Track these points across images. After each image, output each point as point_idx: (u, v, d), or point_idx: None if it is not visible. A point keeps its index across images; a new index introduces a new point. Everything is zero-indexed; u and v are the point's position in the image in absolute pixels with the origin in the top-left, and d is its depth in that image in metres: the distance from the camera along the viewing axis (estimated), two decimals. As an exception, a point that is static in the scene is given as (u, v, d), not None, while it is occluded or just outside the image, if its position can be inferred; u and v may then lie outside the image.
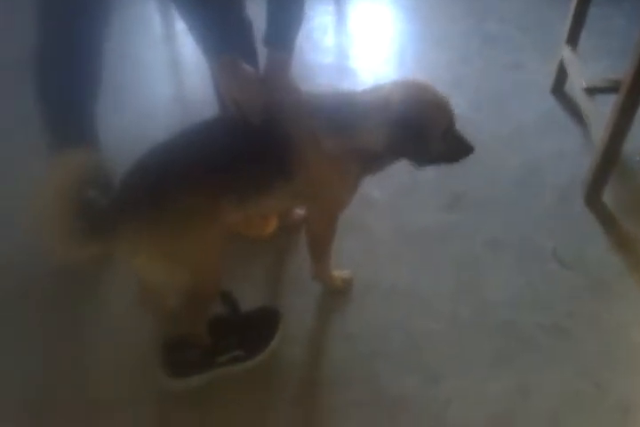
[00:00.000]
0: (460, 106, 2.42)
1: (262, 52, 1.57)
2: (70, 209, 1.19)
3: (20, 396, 1.55)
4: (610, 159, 1.90)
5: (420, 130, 1.37)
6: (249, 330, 1.59)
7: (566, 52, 2.35)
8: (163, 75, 2.84)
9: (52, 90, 1.79)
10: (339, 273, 1.76)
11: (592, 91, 2.15)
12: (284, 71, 1.54)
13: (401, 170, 2.10)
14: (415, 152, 1.43)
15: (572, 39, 2.36)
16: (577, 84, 2.22)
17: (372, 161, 1.49)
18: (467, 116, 2.38)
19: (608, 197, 2.01)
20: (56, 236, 1.20)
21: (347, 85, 2.64)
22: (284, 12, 1.51)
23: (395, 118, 1.37)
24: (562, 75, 2.44)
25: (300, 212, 1.93)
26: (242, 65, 1.49)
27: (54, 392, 1.56)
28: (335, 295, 1.76)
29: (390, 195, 2.07)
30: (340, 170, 1.47)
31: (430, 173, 2.12)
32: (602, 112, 1.96)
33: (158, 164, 1.38)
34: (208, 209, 1.37)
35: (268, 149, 1.46)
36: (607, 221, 1.95)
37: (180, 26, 3.08)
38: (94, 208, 1.35)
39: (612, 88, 2.01)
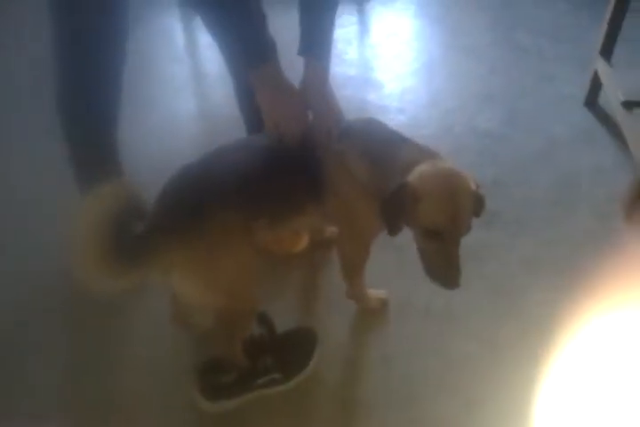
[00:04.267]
0: (491, 120, 2.44)
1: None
2: (106, 240, 1.17)
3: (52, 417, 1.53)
4: (651, 175, 1.87)
5: (409, 217, 1.29)
6: (286, 352, 1.56)
7: (600, 64, 2.31)
8: (186, 89, 2.83)
9: (73, 119, 1.77)
10: (374, 292, 1.73)
11: (630, 104, 2.11)
12: (322, 81, 1.52)
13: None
14: (388, 223, 1.33)
15: (606, 50, 2.32)
16: (613, 97, 2.19)
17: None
18: (498, 131, 2.38)
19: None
20: (93, 267, 1.18)
21: (372, 98, 2.63)
22: (318, 21, 1.50)
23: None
24: (595, 87, 2.41)
25: (332, 228, 1.90)
26: (284, 76, 1.47)
27: (87, 412, 1.54)
28: (371, 315, 1.73)
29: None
30: (366, 199, 1.42)
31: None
32: (640, 127, 1.93)
33: (191, 184, 1.37)
34: (240, 229, 1.35)
35: (300, 170, 1.45)
36: (648, 238, 1.90)
37: (204, 39, 3.09)
38: (129, 233, 1.32)
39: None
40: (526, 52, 2.82)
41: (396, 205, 1.29)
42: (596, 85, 2.40)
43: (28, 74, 2.70)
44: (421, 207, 1.26)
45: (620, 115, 2.13)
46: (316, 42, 1.51)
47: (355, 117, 1.54)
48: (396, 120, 2.45)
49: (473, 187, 1.29)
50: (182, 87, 2.81)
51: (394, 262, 1.85)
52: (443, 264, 1.31)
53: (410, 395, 1.54)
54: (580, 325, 1.67)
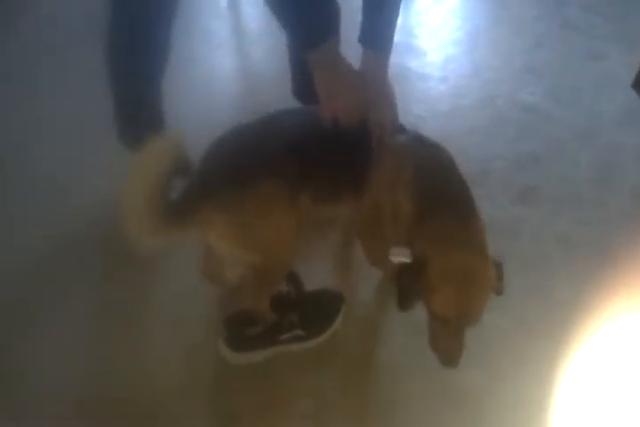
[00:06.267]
0: (534, 94, 2.39)
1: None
2: (153, 198, 1.19)
3: (79, 367, 1.57)
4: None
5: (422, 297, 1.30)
6: (311, 311, 1.57)
7: (652, 45, 2.25)
8: (227, 46, 2.79)
9: (122, 65, 1.75)
10: (399, 260, 1.72)
11: (680, 87, 2.06)
12: (380, 72, 1.46)
13: (469, 159, 2.07)
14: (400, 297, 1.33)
15: (661, 31, 2.25)
16: (663, 79, 2.13)
17: None
18: (541, 106, 2.33)
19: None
20: (140, 222, 1.19)
21: (414, 65, 2.58)
22: (381, 11, 1.44)
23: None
24: (646, 68, 2.34)
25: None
26: (343, 56, 1.39)
27: (113, 364, 1.57)
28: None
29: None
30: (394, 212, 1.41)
31: (500, 163, 2.07)
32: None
33: (240, 147, 1.36)
34: (285, 198, 1.34)
35: (351, 154, 1.41)
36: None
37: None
38: (174, 192, 1.32)
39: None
40: (575, 27, 2.74)
41: (410, 285, 1.27)
42: (646, 66, 2.33)
43: (77, 27, 2.69)
44: (434, 297, 1.26)
45: (668, 97, 2.08)
46: (378, 31, 1.45)
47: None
48: (436, 89, 2.42)
49: (492, 280, 1.28)
50: (223, 44, 2.77)
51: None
52: (446, 344, 1.31)
53: (432, 363, 1.54)
54: (606, 306, 1.66)
